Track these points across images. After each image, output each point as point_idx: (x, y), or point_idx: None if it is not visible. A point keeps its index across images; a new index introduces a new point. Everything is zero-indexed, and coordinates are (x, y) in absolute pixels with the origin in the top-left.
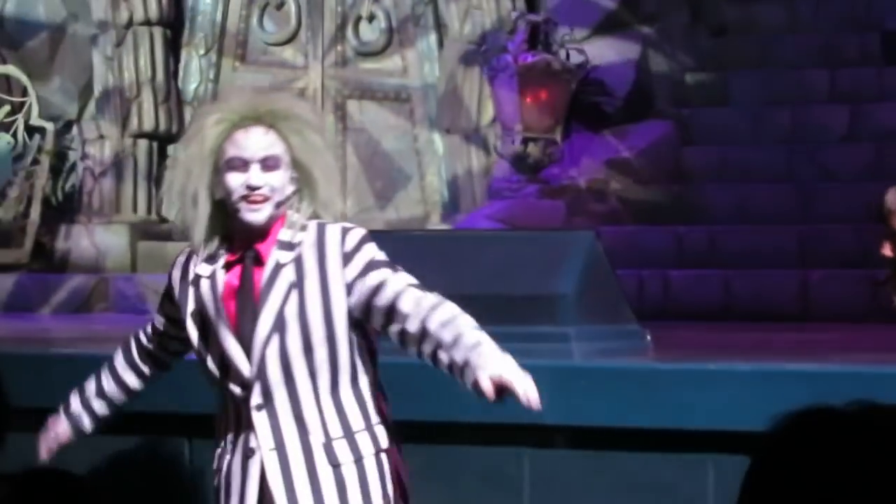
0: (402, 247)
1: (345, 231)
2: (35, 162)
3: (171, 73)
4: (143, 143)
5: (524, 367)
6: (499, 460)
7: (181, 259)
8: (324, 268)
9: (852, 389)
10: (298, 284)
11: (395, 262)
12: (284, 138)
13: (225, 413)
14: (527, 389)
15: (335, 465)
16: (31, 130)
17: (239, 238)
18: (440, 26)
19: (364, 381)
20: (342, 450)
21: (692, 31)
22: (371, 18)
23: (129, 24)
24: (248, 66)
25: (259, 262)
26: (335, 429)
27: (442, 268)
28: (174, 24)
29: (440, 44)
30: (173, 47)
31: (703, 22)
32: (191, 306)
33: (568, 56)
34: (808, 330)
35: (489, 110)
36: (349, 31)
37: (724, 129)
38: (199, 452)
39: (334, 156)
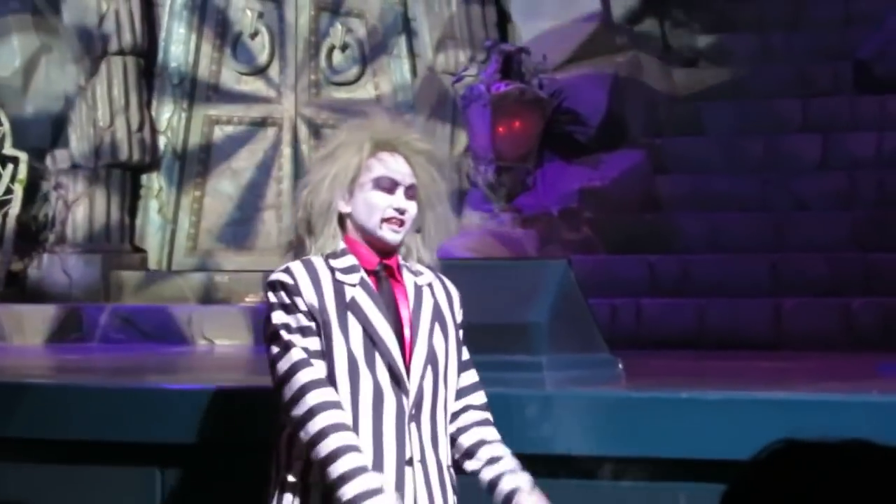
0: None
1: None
2: (8, 191)
3: (145, 103)
4: (116, 173)
5: (498, 396)
6: (469, 490)
7: (299, 269)
8: (451, 307)
9: (824, 418)
10: (438, 315)
11: None
12: (416, 173)
13: (352, 421)
14: None
15: (452, 488)
16: (3, 160)
17: (368, 252)
18: (413, 55)
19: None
20: (453, 476)
21: (665, 61)
22: (344, 48)
23: (103, 53)
24: (221, 96)
25: (392, 277)
26: (449, 456)
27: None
28: (147, 54)
29: (413, 73)
30: (146, 77)
31: (676, 52)
32: (332, 308)
33: (541, 86)
34: (781, 358)
35: (462, 139)
36: (322, 61)
37: (697, 159)
38: (169, 483)
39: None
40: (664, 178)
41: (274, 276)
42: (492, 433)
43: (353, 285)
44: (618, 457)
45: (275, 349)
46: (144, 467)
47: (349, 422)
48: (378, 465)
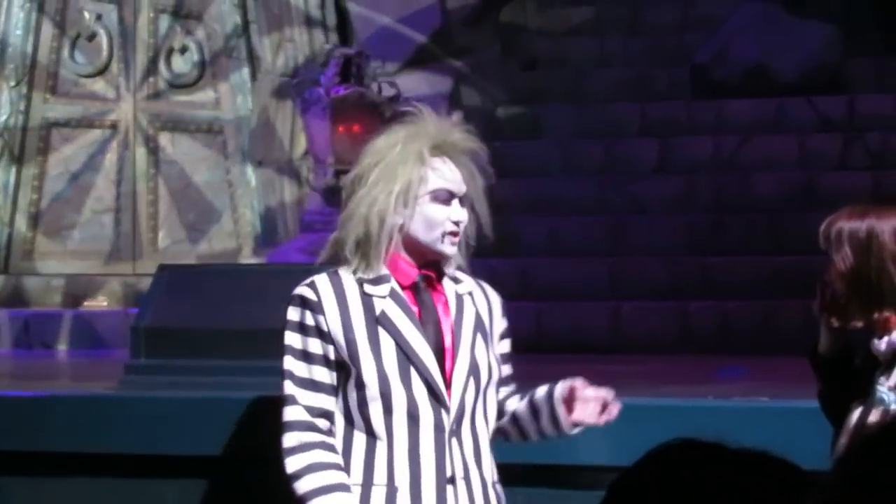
0: (214, 281)
1: (493, 287)
2: None
3: None
4: None
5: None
6: None
7: (324, 283)
8: (491, 314)
9: (670, 422)
10: (479, 324)
11: (210, 296)
12: (462, 174)
13: (385, 445)
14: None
15: None
16: None
17: (406, 264)
18: (253, 59)
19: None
20: (500, 493)
21: (504, 65)
22: (183, 51)
23: None
24: (59, 99)
25: (432, 288)
26: (495, 472)
27: (253, 301)
28: None
29: (253, 76)
30: None
31: (514, 55)
32: (360, 324)
33: (380, 89)
34: (620, 362)
35: (302, 143)
36: (161, 64)
37: (536, 162)
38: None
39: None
40: (503, 181)
41: (297, 290)
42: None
43: (383, 297)
44: None
45: (282, 368)
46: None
47: (325, 460)
48: (416, 485)
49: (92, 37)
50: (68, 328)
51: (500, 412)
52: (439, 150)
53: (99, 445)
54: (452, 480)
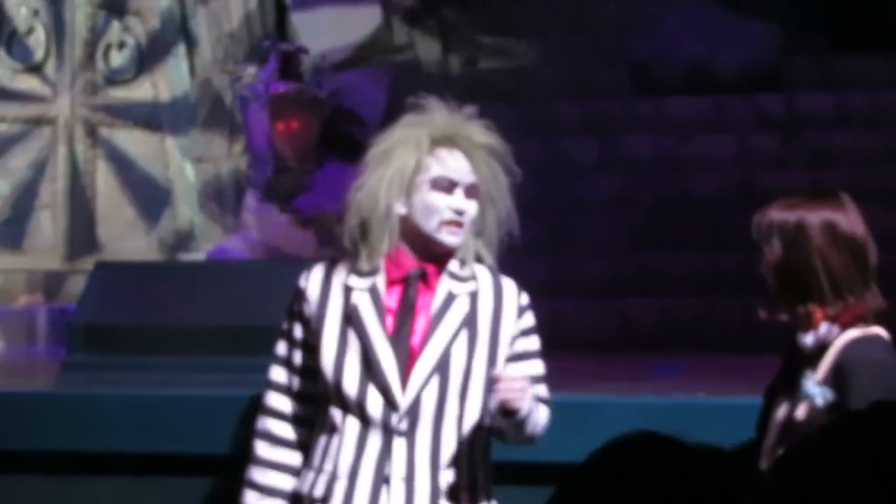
0: (152, 277)
1: (519, 286)
2: None
3: None
4: None
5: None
6: None
7: (318, 272)
8: (499, 315)
9: (610, 419)
10: (471, 324)
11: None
12: (477, 168)
13: (339, 436)
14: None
15: None
16: None
17: (405, 257)
18: (192, 55)
19: (486, 441)
20: (465, 502)
21: (444, 62)
22: (121, 46)
23: None
24: None
25: (425, 283)
26: (464, 477)
27: (191, 298)
28: None
29: (192, 72)
30: None
31: (455, 53)
32: (334, 316)
33: (320, 85)
34: (559, 359)
35: (241, 139)
36: (99, 59)
37: None
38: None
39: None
40: None
41: (299, 275)
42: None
43: (361, 291)
44: None
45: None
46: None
47: (276, 458)
48: (353, 478)
49: (28, 32)
50: (1, 326)
51: None
52: (449, 141)
53: (35, 443)
54: (389, 480)
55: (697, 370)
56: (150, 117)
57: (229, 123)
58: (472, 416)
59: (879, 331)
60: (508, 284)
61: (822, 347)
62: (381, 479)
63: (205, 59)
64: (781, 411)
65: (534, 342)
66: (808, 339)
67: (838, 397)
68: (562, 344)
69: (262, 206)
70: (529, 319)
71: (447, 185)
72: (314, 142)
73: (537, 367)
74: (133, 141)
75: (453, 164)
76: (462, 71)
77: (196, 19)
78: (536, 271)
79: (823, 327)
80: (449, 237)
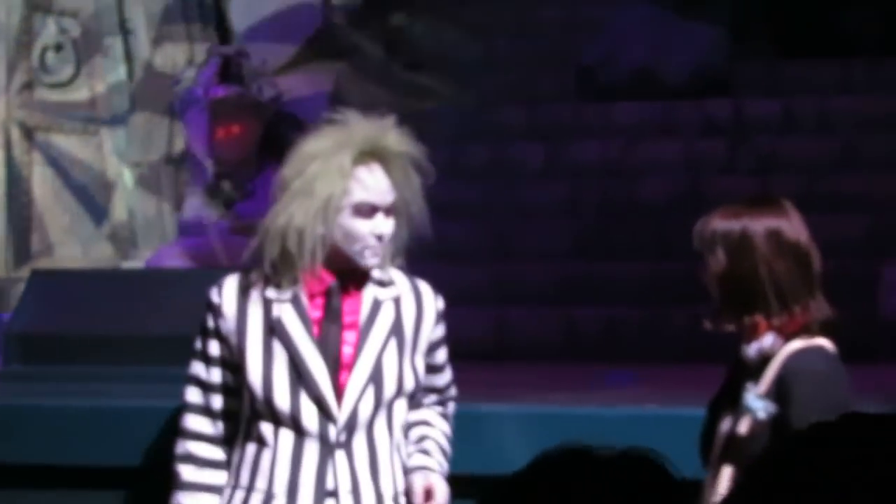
0: (90, 285)
1: (434, 290)
2: None
3: None
4: None
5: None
6: None
7: (231, 285)
8: (420, 320)
9: (556, 430)
10: (398, 331)
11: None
12: (393, 176)
13: (271, 451)
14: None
15: None
16: None
17: (324, 272)
18: (130, 58)
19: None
20: None
21: (387, 65)
22: (58, 48)
23: None
24: None
25: (346, 293)
26: (399, 484)
27: (129, 307)
28: None
29: (130, 75)
30: None
31: (398, 56)
32: (256, 329)
33: (261, 90)
34: (504, 369)
35: (180, 144)
36: (35, 61)
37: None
38: None
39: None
40: None
41: (210, 290)
42: (434, 418)
43: (283, 302)
44: None
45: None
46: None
47: (204, 481)
48: (293, 495)
49: None
50: None
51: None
52: (370, 155)
53: None
54: (335, 494)
55: (645, 380)
56: (88, 120)
57: (168, 128)
58: (399, 421)
59: (823, 342)
60: (426, 289)
61: (765, 359)
62: (323, 493)
63: (143, 60)
64: (725, 425)
65: (444, 351)
66: (752, 350)
67: (780, 410)
68: (507, 352)
69: (202, 212)
70: (442, 327)
71: (368, 211)
72: (255, 147)
73: (447, 375)
74: (70, 145)
75: (374, 184)
76: (405, 75)
77: (134, 20)
78: (481, 278)
79: (767, 338)
80: (371, 260)
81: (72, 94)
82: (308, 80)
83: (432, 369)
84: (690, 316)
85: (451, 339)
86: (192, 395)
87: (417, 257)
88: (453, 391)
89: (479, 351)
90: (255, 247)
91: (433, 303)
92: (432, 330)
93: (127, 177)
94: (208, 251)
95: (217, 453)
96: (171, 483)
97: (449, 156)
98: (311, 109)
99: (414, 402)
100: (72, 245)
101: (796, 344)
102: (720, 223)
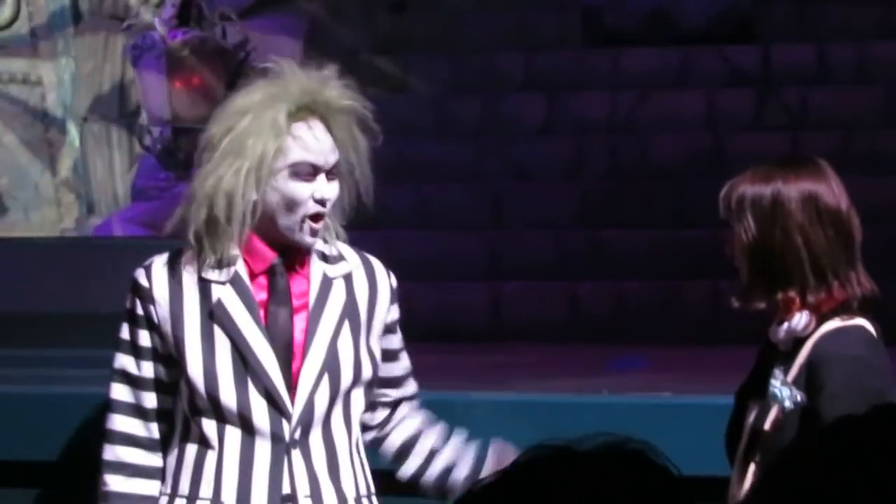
0: (29, 256)
1: (387, 267)
2: None
3: None
4: None
5: None
6: None
7: (159, 266)
8: (375, 299)
9: (559, 421)
10: (351, 312)
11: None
12: (336, 135)
13: (216, 454)
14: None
15: None
16: None
17: (261, 246)
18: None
19: (362, 439)
20: None
21: (367, 7)
22: None
23: None
24: None
25: (291, 268)
26: (363, 485)
27: (75, 281)
28: None
29: (75, 19)
30: None
31: None
32: (192, 315)
33: (224, 34)
34: (501, 351)
35: (134, 96)
36: None
37: (402, 120)
38: None
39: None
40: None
41: (135, 273)
42: (428, 422)
43: (223, 283)
44: None
45: (112, 362)
46: None
47: (134, 491)
48: (245, 502)
49: None
50: None
51: (384, 430)
52: (308, 110)
53: None
54: (293, 499)
55: (660, 364)
56: (28, 70)
57: (120, 78)
58: (357, 414)
59: (862, 322)
60: (378, 265)
61: (797, 342)
62: (278, 498)
63: (91, 3)
64: (752, 416)
65: (399, 336)
66: (782, 331)
67: (809, 399)
68: (503, 333)
69: (159, 173)
70: (397, 308)
71: (309, 171)
72: (219, 100)
73: (404, 362)
74: (7, 98)
75: (314, 144)
76: (387, 18)
77: None
78: (474, 249)
79: (799, 318)
80: (309, 237)
81: (10, 36)
82: (277, 24)
83: (387, 356)
84: (710, 291)
85: (440, 317)
86: (120, 392)
87: (396, 223)
88: (413, 385)
89: (471, 331)
90: (180, 216)
91: (387, 280)
92: (388, 310)
93: (73, 133)
94: (165, 218)
95: (150, 459)
96: (97, 493)
97: (435, 110)
98: (282, 57)
99: (369, 402)
100: (9, 210)
101: (831, 324)
102: (749, 187)
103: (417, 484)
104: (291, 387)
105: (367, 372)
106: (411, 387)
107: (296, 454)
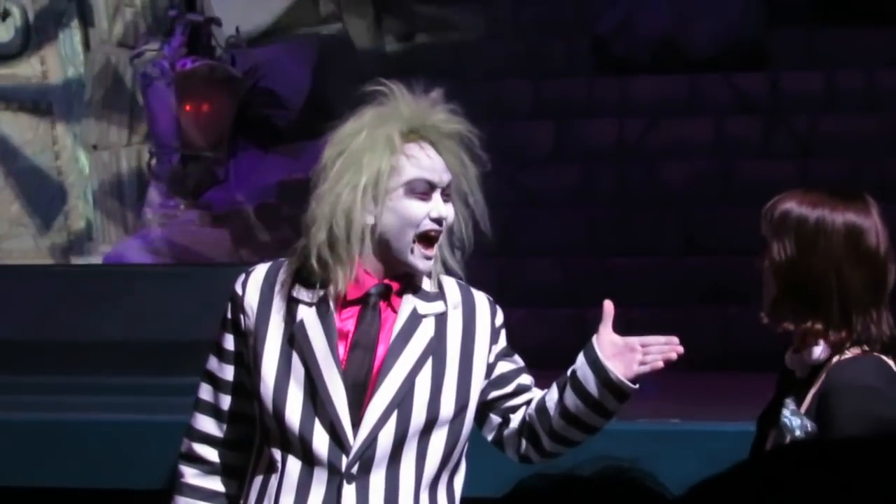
0: (42, 283)
1: (492, 301)
2: None
3: None
4: None
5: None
6: None
7: (258, 275)
8: (470, 338)
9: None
10: (438, 349)
11: (37, 302)
12: (447, 162)
13: (277, 476)
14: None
15: None
16: None
17: (365, 273)
18: (86, 26)
19: (459, 479)
20: None
21: (377, 35)
22: (5, 16)
23: None
24: None
25: (386, 300)
26: None
27: (86, 308)
28: None
29: (86, 46)
30: None
31: (389, 25)
32: (276, 332)
33: (234, 62)
34: None
35: (143, 124)
36: None
37: None
38: None
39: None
40: None
41: (237, 278)
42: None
43: (309, 305)
44: None
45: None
46: None
47: (207, 486)
48: None
49: None
50: None
51: (507, 430)
52: (417, 134)
53: None
54: None
55: (669, 390)
56: (38, 98)
57: (129, 106)
58: (435, 456)
59: (879, 354)
60: (482, 301)
61: (814, 369)
62: None
63: (102, 30)
64: (769, 444)
65: (516, 359)
66: (797, 360)
67: (819, 429)
68: None
69: (168, 201)
70: (504, 340)
71: (424, 189)
72: (228, 127)
73: (524, 371)
74: (18, 125)
75: (428, 162)
76: (397, 46)
77: None
78: (482, 275)
79: (815, 348)
80: (421, 262)
81: (20, 66)
82: (288, 52)
83: (512, 374)
84: (718, 318)
85: None
86: (204, 391)
87: None
88: (531, 377)
89: None
90: (301, 246)
91: (488, 318)
92: (489, 350)
93: (83, 161)
94: (174, 245)
95: (224, 457)
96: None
97: None
98: (291, 85)
99: (506, 409)
100: (21, 238)
101: (848, 354)
102: (796, 207)
103: (565, 421)
104: (358, 421)
105: (445, 413)
106: (531, 379)
107: (349, 489)
